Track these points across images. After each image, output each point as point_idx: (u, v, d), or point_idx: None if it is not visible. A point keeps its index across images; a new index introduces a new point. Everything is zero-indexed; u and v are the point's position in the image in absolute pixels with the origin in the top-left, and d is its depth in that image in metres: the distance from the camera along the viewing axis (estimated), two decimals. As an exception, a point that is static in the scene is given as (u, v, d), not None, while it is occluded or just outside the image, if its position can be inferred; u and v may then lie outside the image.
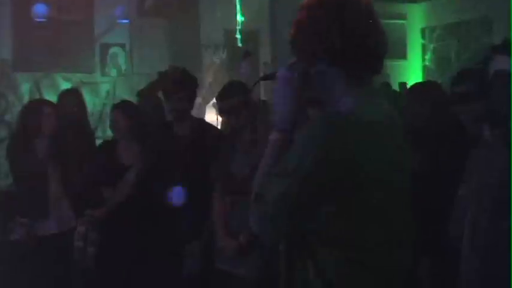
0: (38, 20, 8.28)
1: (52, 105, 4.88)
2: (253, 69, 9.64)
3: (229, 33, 8.78)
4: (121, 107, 4.72)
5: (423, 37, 11.25)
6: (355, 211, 1.71)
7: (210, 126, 4.56)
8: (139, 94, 5.18)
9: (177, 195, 4.08)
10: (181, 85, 4.22)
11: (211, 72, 9.58)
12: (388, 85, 8.07)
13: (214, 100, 5.52)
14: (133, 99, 5.39)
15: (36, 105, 4.82)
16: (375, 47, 1.78)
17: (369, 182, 1.69)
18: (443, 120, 3.63)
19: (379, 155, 1.72)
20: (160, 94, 4.87)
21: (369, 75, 1.82)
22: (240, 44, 8.20)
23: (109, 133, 5.53)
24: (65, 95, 5.72)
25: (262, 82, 2.68)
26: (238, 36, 8.12)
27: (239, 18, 7.97)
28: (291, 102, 1.83)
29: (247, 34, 8.46)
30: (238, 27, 8.08)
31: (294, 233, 1.79)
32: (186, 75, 4.32)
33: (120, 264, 4.40)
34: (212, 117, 7.26)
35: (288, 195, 1.69)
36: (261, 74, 9.70)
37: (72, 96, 5.72)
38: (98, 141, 5.62)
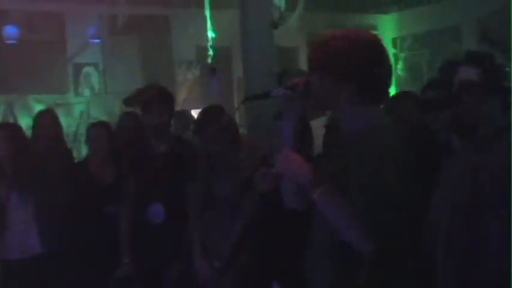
0: (9, 41, 8.24)
1: (3, 127, 4.88)
2: (227, 85, 9.68)
3: (202, 50, 8.80)
4: (98, 125, 4.82)
5: (394, 47, 11.37)
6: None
7: (187, 144, 4.54)
8: (126, 102, 5.09)
9: (156, 213, 4.07)
10: (160, 100, 4.20)
11: (185, 89, 9.59)
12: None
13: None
14: (107, 118, 5.37)
15: None
16: (385, 76, 2.16)
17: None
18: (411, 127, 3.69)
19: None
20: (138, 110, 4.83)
21: (380, 96, 2.20)
22: (209, 61, 8.20)
23: (83, 154, 5.52)
24: (40, 116, 5.69)
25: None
26: (210, 52, 8.14)
27: (210, 34, 7.98)
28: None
29: (219, 50, 8.48)
30: (209, 44, 8.09)
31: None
32: (164, 90, 4.33)
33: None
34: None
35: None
36: (235, 90, 9.73)
37: (48, 116, 5.68)
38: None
